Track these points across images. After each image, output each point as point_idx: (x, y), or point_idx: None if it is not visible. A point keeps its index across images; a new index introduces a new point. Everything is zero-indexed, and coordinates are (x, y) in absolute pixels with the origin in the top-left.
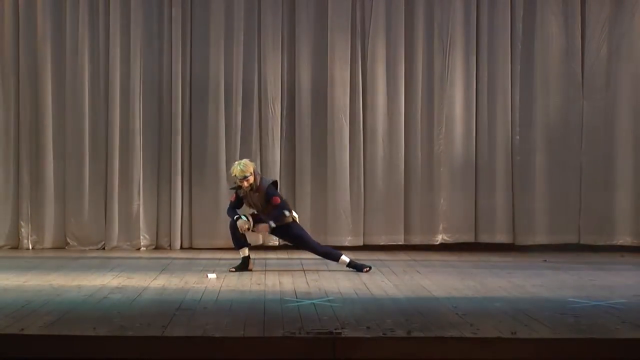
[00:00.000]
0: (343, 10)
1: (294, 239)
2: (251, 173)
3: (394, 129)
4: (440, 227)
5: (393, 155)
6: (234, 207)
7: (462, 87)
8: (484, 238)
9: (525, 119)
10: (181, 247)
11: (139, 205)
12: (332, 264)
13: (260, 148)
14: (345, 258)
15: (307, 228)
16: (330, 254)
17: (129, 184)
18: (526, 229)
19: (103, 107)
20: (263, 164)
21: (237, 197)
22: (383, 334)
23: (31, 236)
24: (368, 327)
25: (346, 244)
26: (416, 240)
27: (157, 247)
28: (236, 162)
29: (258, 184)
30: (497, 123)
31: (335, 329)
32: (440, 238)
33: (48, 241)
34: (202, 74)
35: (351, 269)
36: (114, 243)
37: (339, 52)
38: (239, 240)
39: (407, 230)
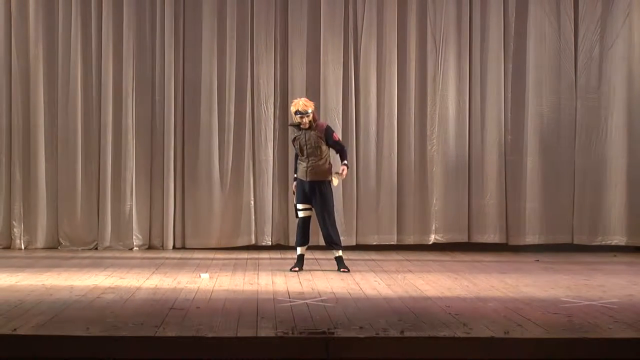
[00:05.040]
0: (336, 10)
1: (322, 198)
2: (312, 110)
3: (387, 129)
4: (433, 227)
5: (386, 155)
6: (297, 158)
7: (455, 87)
8: (477, 238)
9: (518, 119)
10: (174, 247)
11: (131, 205)
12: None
13: (253, 148)
14: (341, 253)
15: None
16: (337, 239)
17: (122, 184)
18: (519, 229)
19: (95, 107)
20: (256, 163)
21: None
22: (376, 334)
23: (24, 236)
24: (361, 327)
25: None
26: (409, 240)
27: (150, 247)
28: (297, 99)
29: (316, 122)
30: (489, 123)
31: (329, 329)
32: (433, 238)
33: (40, 241)
34: (194, 74)
35: (336, 264)
36: (107, 243)
37: (332, 52)
38: (304, 239)
39: (400, 230)
